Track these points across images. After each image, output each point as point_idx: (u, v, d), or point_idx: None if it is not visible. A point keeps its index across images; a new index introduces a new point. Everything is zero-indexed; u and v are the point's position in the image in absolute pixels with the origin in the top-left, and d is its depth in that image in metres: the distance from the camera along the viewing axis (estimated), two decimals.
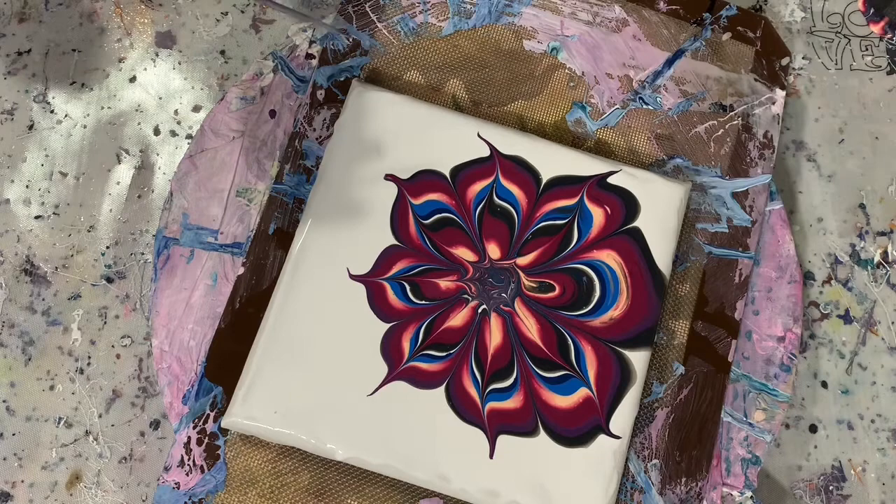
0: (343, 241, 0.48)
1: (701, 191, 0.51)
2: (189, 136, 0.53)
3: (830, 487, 0.50)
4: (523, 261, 0.48)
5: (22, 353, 0.50)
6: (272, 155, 0.51)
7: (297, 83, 0.52)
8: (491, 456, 0.46)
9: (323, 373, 0.46)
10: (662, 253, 0.48)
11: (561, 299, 0.48)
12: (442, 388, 0.46)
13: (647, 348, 0.47)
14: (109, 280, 0.51)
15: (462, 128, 0.50)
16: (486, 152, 0.49)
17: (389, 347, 0.47)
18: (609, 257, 0.48)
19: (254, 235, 0.50)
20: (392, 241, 0.48)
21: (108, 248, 0.51)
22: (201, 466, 0.47)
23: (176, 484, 0.46)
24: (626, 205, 0.49)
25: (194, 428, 0.47)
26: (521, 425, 0.46)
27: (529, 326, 0.47)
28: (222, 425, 0.46)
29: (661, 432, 0.48)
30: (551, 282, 0.48)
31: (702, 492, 0.47)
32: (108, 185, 0.52)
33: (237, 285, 0.49)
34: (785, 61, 0.53)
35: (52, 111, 0.53)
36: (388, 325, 0.47)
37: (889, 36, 0.56)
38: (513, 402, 0.46)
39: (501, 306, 0.48)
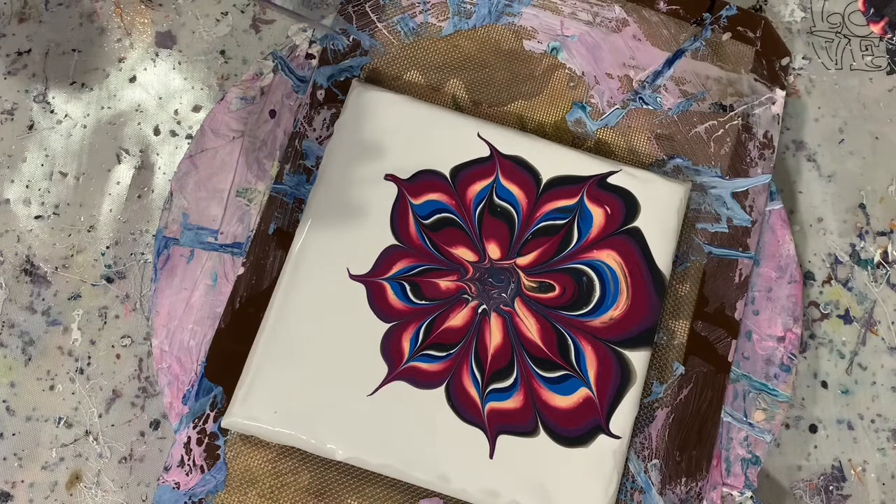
0: (343, 241, 0.48)
1: (701, 191, 0.51)
2: (189, 136, 0.53)
3: (830, 487, 0.50)
4: (523, 261, 0.48)
5: (22, 353, 0.50)
6: (272, 155, 0.51)
7: (297, 83, 0.52)
8: (491, 456, 0.46)
9: (323, 373, 0.46)
10: (662, 253, 0.48)
11: (561, 299, 0.48)
12: (442, 388, 0.46)
13: (647, 348, 0.47)
14: (109, 280, 0.51)
15: (462, 128, 0.50)
16: (486, 152, 0.49)
17: (389, 347, 0.47)
18: (609, 257, 0.48)
19: (254, 235, 0.50)
20: (392, 241, 0.48)
21: (108, 248, 0.51)
22: (201, 466, 0.47)
23: (176, 484, 0.46)
24: (626, 205, 0.49)
25: (194, 428, 0.47)
26: (521, 425, 0.46)
27: (529, 326, 0.47)
28: (222, 425, 0.46)
29: (661, 432, 0.48)
30: (551, 282, 0.48)
31: (702, 492, 0.47)
32: (108, 185, 0.52)
33: (237, 285, 0.49)
34: (785, 61, 0.53)
35: (52, 111, 0.53)
36: (388, 325, 0.47)
37: (889, 36, 0.56)
38: (513, 402, 0.46)
39: (501, 306, 0.48)
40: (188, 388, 0.48)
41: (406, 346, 0.47)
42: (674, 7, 0.53)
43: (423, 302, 0.47)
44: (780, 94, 0.53)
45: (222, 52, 0.54)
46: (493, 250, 0.48)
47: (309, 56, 0.53)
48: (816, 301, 0.52)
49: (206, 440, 0.47)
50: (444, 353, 0.47)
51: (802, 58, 0.55)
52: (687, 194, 0.50)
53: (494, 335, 0.47)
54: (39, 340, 0.50)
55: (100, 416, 0.49)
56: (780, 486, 0.50)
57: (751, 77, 0.53)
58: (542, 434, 0.46)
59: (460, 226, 0.48)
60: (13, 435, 0.49)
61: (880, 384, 0.51)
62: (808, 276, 0.52)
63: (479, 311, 0.47)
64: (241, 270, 0.49)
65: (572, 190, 0.49)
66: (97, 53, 0.54)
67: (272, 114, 0.52)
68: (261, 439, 0.47)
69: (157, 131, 0.53)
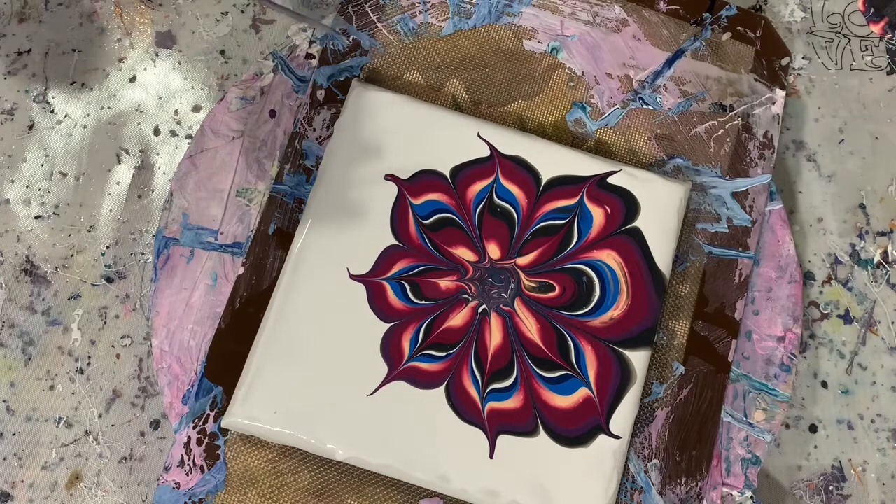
0: (343, 241, 0.48)
1: (701, 191, 0.51)
2: (189, 136, 0.53)
3: (830, 487, 0.50)
4: (523, 261, 0.48)
5: (22, 353, 0.50)
6: (272, 155, 0.51)
7: (297, 83, 0.52)
8: (491, 456, 0.46)
9: (323, 373, 0.46)
10: (662, 253, 0.48)
11: (561, 299, 0.48)
12: (442, 388, 0.46)
13: (647, 348, 0.47)
14: (109, 280, 0.51)
15: (462, 128, 0.50)
16: (486, 152, 0.49)
17: (389, 347, 0.47)
18: (609, 257, 0.48)
19: (254, 235, 0.50)
20: (392, 241, 0.48)
21: (108, 248, 0.51)
22: (201, 466, 0.47)
23: (176, 484, 0.46)
24: (626, 205, 0.49)
25: (194, 428, 0.47)
26: (521, 425, 0.46)
27: (529, 326, 0.47)
28: (222, 425, 0.46)
29: (661, 432, 0.48)
30: (551, 282, 0.48)
31: (702, 492, 0.47)
32: (108, 185, 0.52)
33: (237, 285, 0.49)
34: (785, 61, 0.53)
35: (52, 111, 0.53)
36: (388, 325, 0.47)
37: (889, 36, 0.56)
38: (513, 402, 0.46)
39: (501, 306, 0.48)
40: (188, 388, 0.48)
41: (406, 346, 0.47)
42: (674, 7, 0.53)
43: (423, 302, 0.47)
44: (780, 94, 0.53)
45: (222, 52, 0.54)
46: (493, 250, 0.48)
47: (309, 56, 0.53)
48: (816, 301, 0.52)
49: (206, 440, 0.47)
50: (444, 353, 0.47)
51: (802, 58, 0.55)
52: (687, 194, 0.50)
53: (494, 335, 0.47)
54: (39, 340, 0.50)
55: (100, 416, 0.49)
56: (780, 486, 0.50)
57: (751, 77, 0.53)
58: (542, 434, 0.46)
59: (460, 226, 0.48)
60: (13, 435, 0.49)
61: (880, 384, 0.51)
62: (808, 276, 0.52)
63: (479, 311, 0.47)
64: (241, 270, 0.49)
65: (572, 190, 0.49)
66: (97, 53, 0.54)
67: (272, 114, 0.52)
68: (261, 439, 0.47)
69: (157, 131, 0.53)
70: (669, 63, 0.53)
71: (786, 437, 0.50)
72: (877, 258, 0.53)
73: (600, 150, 0.51)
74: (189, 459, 0.47)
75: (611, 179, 0.49)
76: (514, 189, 0.49)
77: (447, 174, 0.49)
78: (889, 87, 0.55)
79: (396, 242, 0.48)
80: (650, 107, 0.52)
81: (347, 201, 0.48)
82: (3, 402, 0.49)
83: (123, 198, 0.52)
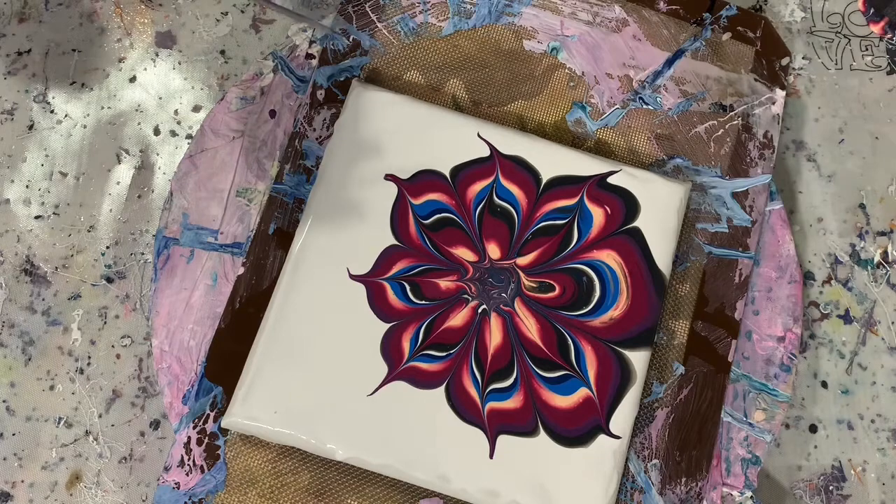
0: (343, 241, 0.48)
1: (701, 191, 0.51)
2: (189, 136, 0.53)
3: (830, 487, 0.50)
4: (523, 261, 0.48)
5: (22, 353, 0.50)
6: (272, 155, 0.51)
7: (297, 83, 0.52)
8: (491, 456, 0.46)
9: (323, 373, 0.46)
10: (662, 253, 0.48)
11: (561, 299, 0.48)
12: (442, 388, 0.46)
13: (647, 348, 0.47)
14: (109, 280, 0.51)
15: (462, 128, 0.50)
16: (486, 152, 0.49)
17: (389, 347, 0.47)
18: (609, 257, 0.48)
19: (254, 235, 0.50)
20: (392, 241, 0.48)
21: (108, 248, 0.51)
22: (201, 466, 0.47)
23: (176, 484, 0.46)
24: (626, 205, 0.49)
25: (194, 428, 0.47)
26: (521, 425, 0.46)
27: (529, 326, 0.47)
28: (222, 425, 0.46)
29: (661, 432, 0.48)
30: (551, 282, 0.48)
31: (702, 492, 0.47)
32: (108, 185, 0.52)
33: (237, 285, 0.49)
34: (785, 61, 0.53)
35: (52, 111, 0.53)
36: (388, 325, 0.47)
37: (889, 36, 0.56)
38: (513, 402, 0.46)
39: (501, 306, 0.48)
40: (188, 388, 0.48)
41: (406, 346, 0.47)
42: (674, 7, 0.53)
43: (423, 302, 0.47)
44: (780, 94, 0.53)
45: (222, 52, 0.54)
46: (493, 250, 0.48)
47: (309, 56, 0.53)
48: (816, 301, 0.52)
49: (206, 440, 0.47)
50: (444, 353, 0.47)
51: (802, 58, 0.55)
52: (687, 194, 0.50)
53: (494, 335, 0.47)
54: (39, 340, 0.50)
55: (100, 416, 0.49)
56: (780, 486, 0.50)
57: (751, 77, 0.53)
58: (542, 434, 0.46)
59: (460, 226, 0.48)
60: (13, 435, 0.49)
61: (880, 384, 0.51)
62: (808, 276, 0.52)
63: (479, 311, 0.47)
64: (241, 270, 0.49)
65: (572, 190, 0.49)
66: (97, 53, 0.54)
67: (272, 114, 0.52)
68: (261, 439, 0.47)
69: (157, 131, 0.53)
70: (669, 63, 0.53)
71: (786, 437, 0.50)
72: (877, 258, 0.53)
73: (600, 150, 0.51)
74: (189, 459, 0.47)
75: (611, 179, 0.49)
76: (514, 189, 0.49)
77: (447, 174, 0.49)
78: (889, 87, 0.55)
79: (396, 242, 0.48)
80: (650, 107, 0.52)
81: (347, 201, 0.48)
82: (3, 402, 0.49)
83: (123, 198, 0.52)
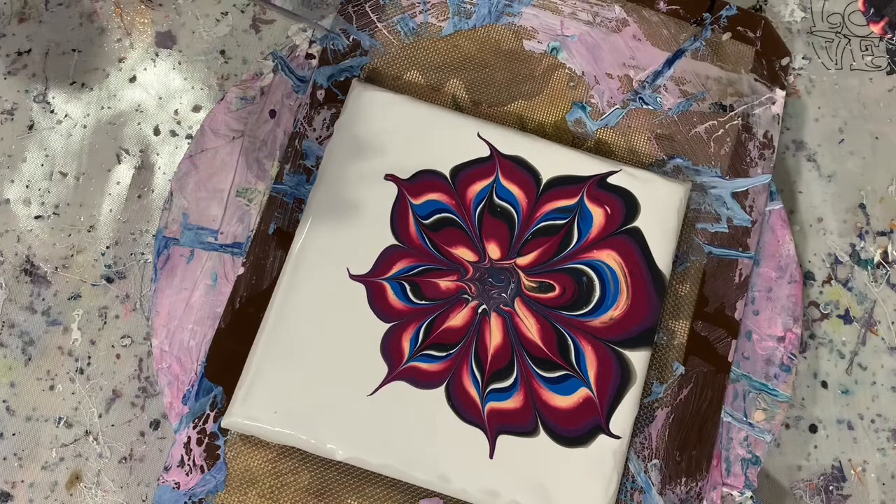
0: (343, 241, 0.48)
1: (701, 191, 0.51)
2: (189, 136, 0.53)
3: (830, 487, 0.50)
4: (523, 261, 0.48)
5: (22, 353, 0.50)
6: (272, 155, 0.51)
7: (297, 83, 0.52)
8: (491, 456, 0.46)
9: (323, 373, 0.46)
10: (662, 253, 0.48)
11: (561, 299, 0.48)
12: (442, 388, 0.46)
13: (647, 348, 0.47)
14: (109, 280, 0.51)
15: (462, 128, 0.50)
16: (486, 152, 0.49)
17: (389, 347, 0.47)
18: (609, 257, 0.48)
19: (254, 235, 0.50)
20: (392, 241, 0.48)
21: (108, 248, 0.51)
22: (201, 466, 0.47)
23: (176, 484, 0.46)
24: (626, 205, 0.49)
25: (194, 428, 0.47)
26: (521, 425, 0.46)
27: (529, 326, 0.47)
28: (222, 425, 0.46)
29: (661, 432, 0.48)
30: (551, 282, 0.48)
31: (702, 492, 0.47)
32: (108, 185, 0.52)
33: (237, 285, 0.49)
34: (785, 61, 0.53)
35: (52, 111, 0.53)
36: (388, 325, 0.47)
37: (889, 36, 0.56)
38: (513, 402, 0.46)
39: (501, 306, 0.48)
40: (188, 388, 0.48)
41: (406, 346, 0.47)
42: (674, 7, 0.53)
43: (423, 302, 0.47)
44: (780, 94, 0.53)
45: (222, 52, 0.54)
46: (493, 250, 0.48)
47: (309, 56, 0.53)
48: (816, 301, 0.52)
49: (206, 440, 0.47)
50: (444, 353, 0.47)
51: (802, 58, 0.55)
52: (687, 194, 0.50)
53: (494, 335, 0.47)
54: (39, 340, 0.50)
55: (100, 416, 0.49)
56: (780, 486, 0.50)
57: (751, 77, 0.53)
58: (542, 434, 0.46)
59: (460, 226, 0.48)
60: (13, 435, 0.49)
61: (880, 384, 0.51)
62: (808, 276, 0.52)
63: (479, 311, 0.47)
64: (241, 270, 0.49)
65: (572, 190, 0.49)
66: (97, 53, 0.54)
67: (272, 114, 0.52)
68: (261, 439, 0.47)
69: (157, 131, 0.53)
70: (669, 63, 0.53)
71: (786, 437, 0.50)
72: (877, 258, 0.53)
73: (600, 150, 0.51)
74: (189, 459, 0.47)
75: (611, 179, 0.49)
76: (514, 189, 0.49)
77: (447, 174, 0.49)
78: (889, 87, 0.55)
79: (396, 242, 0.48)
80: (650, 107, 0.52)
81: (347, 201, 0.48)
82: (3, 402, 0.49)
83: (123, 198, 0.52)
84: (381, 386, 0.46)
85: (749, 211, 0.51)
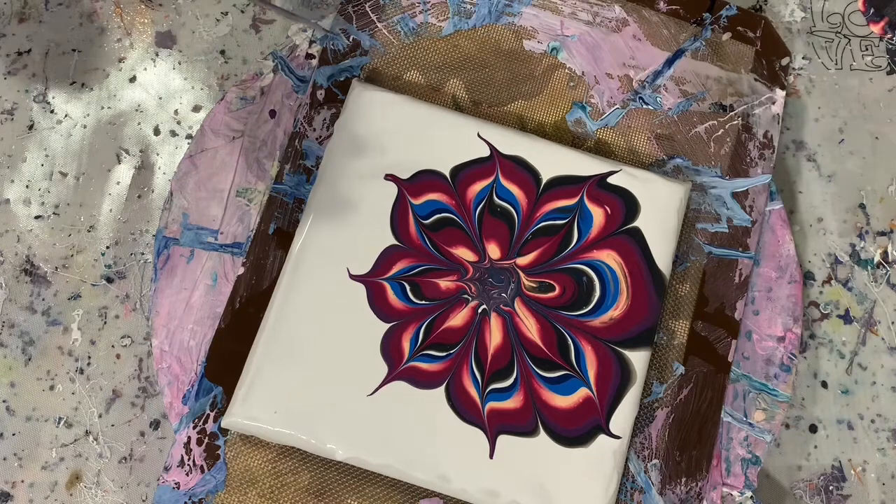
0: (343, 241, 0.48)
1: (701, 191, 0.51)
2: (189, 136, 0.53)
3: (830, 487, 0.50)
4: (523, 261, 0.48)
5: (22, 353, 0.50)
6: (272, 155, 0.51)
7: (297, 83, 0.52)
8: (491, 456, 0.46)
9: (323, 373, 0.46)
10: (662, 253, 0.48)
11: (561, 299, 0.48)
12: (442, 388, 0.46)
13: (647, 348, 0.47)
14: (109, 280, 0.51)
15: (462, 128, 0.50)
16: (486, 152, 0.49)
17: (389, 347, 0.47)
18: (609, 257, 0.48)
19: (254, 235, 0.50)
20: (392, 241, 0.48)
21: (108, 248, 0.51)
22: (201, 466, 0.47)
23: (176, 484, 0.46)
24: (626, 205, 0.49)
25: (194, 428, 0.47)
26: (521, 425, 0.46)
27: (529, 326, 0.47)
28: (222, 425, 0.46)
29: (661, 432, 0.48)
30: (551, 282, 0.48)
31: (702, 492, 0.47)
32: (108, 185, 0.52)
33: (237, 285, 0.49)
34: (785, 61, 0.53)
35: (52, 111, 0.53)
36: (388, 325, 0.47)
37: (889, 36, 0.56)
38: (513, 402, 0.46)
39: (501, 306, 0.48)
40: (188, 388, 0.48)
41: (406, 346, 0.47)
42: (674, 7, 0.53)
43: (423, 302, 0.47)
44: (780, 94, 0.53)
45: (222, 52, 0.54)
46: (493, 250, 0.48)
47: (309, 56, 0.53)
48: (816, 301, 0.52)
49: (206, 440, 0.47)
50: (444, 353, 0.47)
51: (802, 58, 0.55)
52: (687, 194, 0.50)
53: (494, 335, 0.47)
54: (39, 340, 0.50)
55: (100, 416, 0.49)
56: (780, 486, 0.50)
57: (751, 77, 0.53)
58: (542, 434, 0.46)
59: (460, 226, 0.48)
60: (13, 435, 0.49)
61: (880, 384, 0.51)
62: (808, 276, 0.52)
63: (479, 311, 0.47)
64: (241, 270, 0.49)
65: (572, 190, 0.49)
66: (97, 53, 0.54)
67: (272, 114, 0.52)
68: (261, 439, 0.47)
69: (157, 131, 0.53)
70: (669, 63, 0.53)
71: (786, 437, 0.50)
72: (877, 258, 0.53)
73: (600, 150, 0.51)
74: (189, 459, 0.47)
75: (611, 179, 0.49)
76: (514, 189, 0.49)
77: (447, 174, 0.49)
78: (889, 87, 0.55)
79: (396, 242, 0.48)
80: (650, 107, 0.52)
81: (347, 201, 0.48)
82: (3, 402, 0.49)
83: (123, 198, 0.52)
84: (381, 386, 0.46)
85: (749, 211, 0.51)
